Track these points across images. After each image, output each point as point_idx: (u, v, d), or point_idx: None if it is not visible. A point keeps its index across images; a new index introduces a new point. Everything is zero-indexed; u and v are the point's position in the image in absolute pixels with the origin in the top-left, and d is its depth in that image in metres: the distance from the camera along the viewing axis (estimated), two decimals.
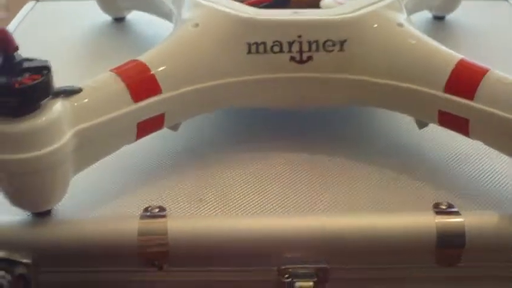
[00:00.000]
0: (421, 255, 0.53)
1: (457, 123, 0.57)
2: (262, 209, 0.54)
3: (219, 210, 0.54)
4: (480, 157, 0.60)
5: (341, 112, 0.67)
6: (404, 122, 0.62)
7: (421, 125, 0.60)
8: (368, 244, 0.52)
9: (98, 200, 0.55)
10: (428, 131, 0.60)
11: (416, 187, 0.57)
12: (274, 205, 0.55)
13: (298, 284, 0.52)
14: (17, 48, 0.49)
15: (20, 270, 0.51)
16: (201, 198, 0.55)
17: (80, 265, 0.53)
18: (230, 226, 0.52)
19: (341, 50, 0.59)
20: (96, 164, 0.54)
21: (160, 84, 0.56)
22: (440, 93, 0.56)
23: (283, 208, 0.55)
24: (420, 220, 0.53)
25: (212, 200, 0.55)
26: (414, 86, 0.58)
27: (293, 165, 0.59)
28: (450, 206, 0.54)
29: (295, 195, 0.56)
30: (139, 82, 0.55)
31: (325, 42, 0.59)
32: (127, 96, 0.54)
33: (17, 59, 0.49)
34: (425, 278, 0.54)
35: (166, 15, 0.73)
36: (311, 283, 0.52)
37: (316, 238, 0.52)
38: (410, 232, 0.53)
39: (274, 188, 0.57)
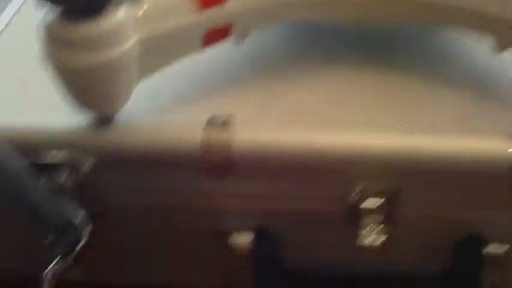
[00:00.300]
0: (494, 181, 0.50)
1: None
2: (332, 126, 0.52)
3: (286, 124, 0.52)
4: None
5: (415, 33, 0.63)
6: (483, 45, 0.59)
7: (501, 48, 0.57)
8: (440, 166, 0.50)
9: (162, 107, 0.54)
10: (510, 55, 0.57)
11: (494, 113, 0.54)
12: (345, 122, 0.52)
13: (365, 203, 0.51)
14: None
15: (80, 174, 0.50)
16: (267, 112, 0.53)
17: (140, 172, 0.52)
18: (298, 140, 0.50)
19: None
20: (161, 71, 0.52)
21: None
22: None
23: (355, 126, 0.52)
24: (494, 146, 0.50)
25: (279, 115, 0.53)
26: (493, 6, 0.54)
27: (364, 85, 0.56)
28: None
29: (367, 114, 0.53)
30: None
31: None
32: (193, 4, 0.52)
33: None
34: (498, 204, 0.52)
35: None
36: (379, 203, 0.51)
37: (387, 157, 0.50)
38: (484, 157, 0.50)
39: (345, 106, 0.54)
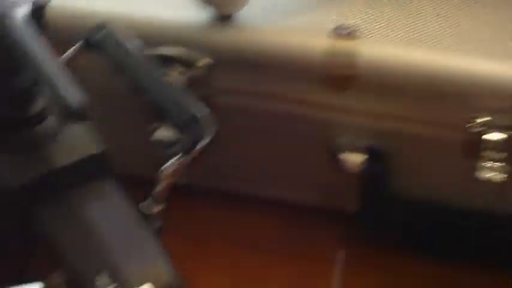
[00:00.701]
0: None
1: None
2: (464, 50, 0.48)
3: (414, 42, 0.48)
4: None
5: None
6: None
7: None
8: None
9: (284, 11, 0.50)
10: None
11: None
12: (480, 48, 0.48)
13: (489, 135, 0.48)
14: None
15: (196, 71, 0.48)
16: (396, 27, 0.49)
17: (256, 76, 0.49)
18: (425, 60, 0.47)
19: None
20: None
21: None
22: None
23: (481, 52, 0.48)
24: None
25: (408, 32, 0.49)
26: None
27: (496, 11, 0.52)
28: None
29: (492, 40, 0.49)
30: None
31: None
32: None
33: None
34: None
35: None
36: (503, 137, 0.47)
37: None
38: None
39: (471, 28, 0.50)
